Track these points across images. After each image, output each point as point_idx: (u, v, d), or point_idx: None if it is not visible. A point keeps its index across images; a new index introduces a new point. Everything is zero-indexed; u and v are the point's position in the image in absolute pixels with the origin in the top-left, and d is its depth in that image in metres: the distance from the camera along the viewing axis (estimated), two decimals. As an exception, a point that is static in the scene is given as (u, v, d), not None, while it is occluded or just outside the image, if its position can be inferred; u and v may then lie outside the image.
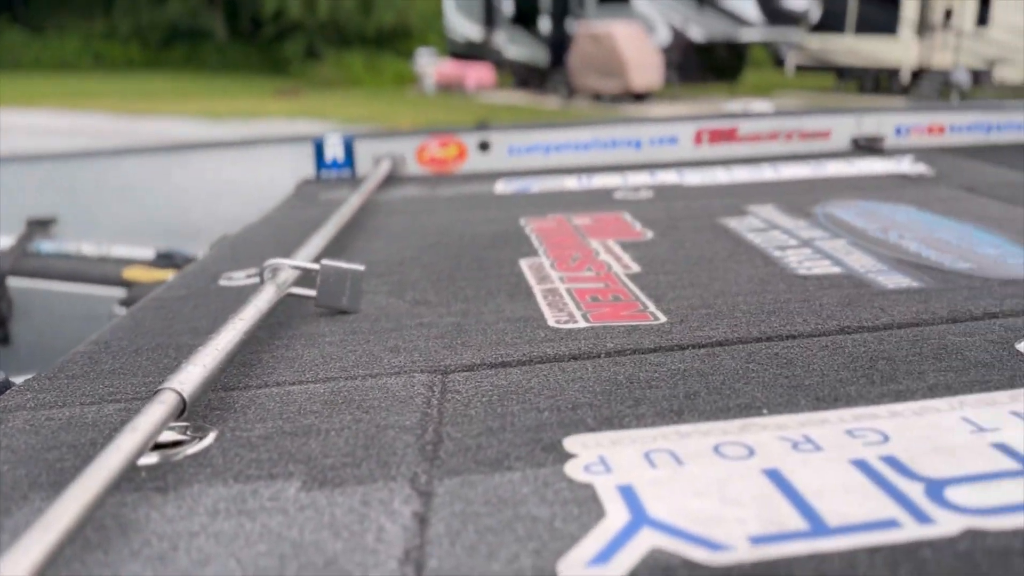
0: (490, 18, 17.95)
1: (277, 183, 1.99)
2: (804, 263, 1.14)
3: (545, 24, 17.19)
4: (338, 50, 22.64)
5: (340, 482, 0.59)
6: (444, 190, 1.87)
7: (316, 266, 0.97)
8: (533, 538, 0.51)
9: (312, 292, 0.98)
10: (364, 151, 2.07)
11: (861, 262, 1.12)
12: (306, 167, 2.08)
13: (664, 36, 15.79)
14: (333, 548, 0.50)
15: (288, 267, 0.97)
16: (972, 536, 0.49)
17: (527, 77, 17.77)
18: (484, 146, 2.15)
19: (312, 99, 16.61)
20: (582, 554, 0.49)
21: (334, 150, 2.06)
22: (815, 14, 15.56)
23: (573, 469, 0.59)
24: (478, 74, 17.68)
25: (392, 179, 2.02)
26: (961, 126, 2.23)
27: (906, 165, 1.87)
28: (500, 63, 18.22)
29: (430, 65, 17.89)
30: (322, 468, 0.61)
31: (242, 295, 0.89)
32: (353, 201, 1.51)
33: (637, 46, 14.66)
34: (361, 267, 0.99)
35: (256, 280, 0.99)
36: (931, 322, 0.88)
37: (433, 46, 19.45)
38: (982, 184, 1.65)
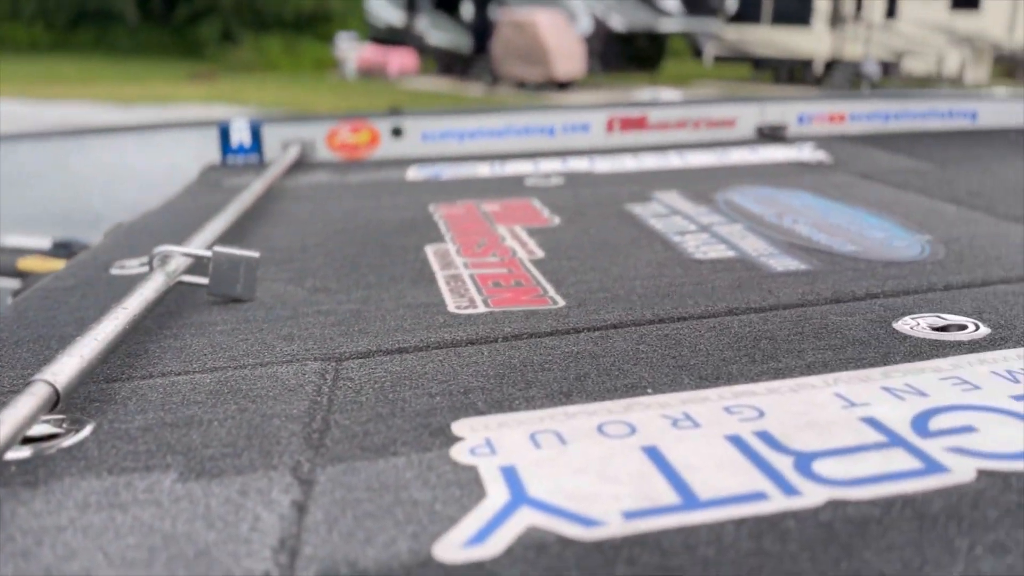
0: (412, 3, 17.76)
1: (181, 169, 1.93)
2: (701, 248, 1.17)
3: (468, 10, 17.11)
4: (255, 33, 22.05)
5: (218, 472, 0.57)
6: (354, 176, 1.85)
7: (208, 253, 0.95)
8: (412, 522, 0.51)
9: (205, 280, 0.95)
10: (272, 136, 2.03)
11: (755, 246, 1.16)
12: (212, 152, 2.02)
13: (586, 25, 15.90)
14: (205, 539, 0.50)
15: (179, 254, 0.95)
16: (834, 506, 0.51)
17: (450, 64, 17.67)
18: (397, 132, 2.13)
19: (228, 84, 16.16)
20: (459, 535, 0.49)
21: (240, 135, 2.00)
22: (732, 5, 15.91)
23: (459, 452, 0.60)
24: (400, 60, 17.49)
25: (301, 165, 1.98)
26: (861, 114, 2.31)
27: (806, 152, 1.93)
28: (423, 49, 18.07)
29: (351, 50, 17.60)
30: (201, 459, 0.60)
31: (134, 284, 0.86)
32: (256, 187, 1.47)
33: (560, 34, 14.73)
34: (256, 254, 0.97)
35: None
36: (815, 303, 0.92)
37: (354, 30, 19.14)
38: (877, 171, 1.71)
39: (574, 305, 0.94)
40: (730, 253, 1.13)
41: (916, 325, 0.83)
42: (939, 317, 0.85)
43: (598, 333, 0.85)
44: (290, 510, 0.53)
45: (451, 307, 0.94)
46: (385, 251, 1.20)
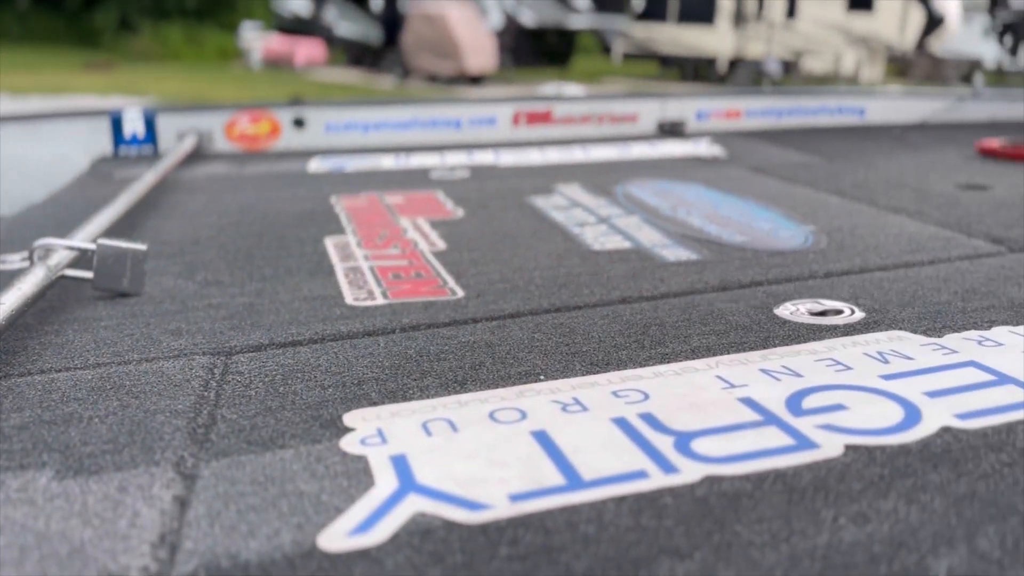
0: (320, -6, 17.40)
1: (71, 161, 1.85)
2: (599, 239, 1.19)
3: (377, 1, 16.88)
4: (155, 21, 21.20)
5: (97, 470, 0.56)
6: (253, 168, 1.81)
7: (92, 246, 0.91)
8: (297, 513, 0.50)
9: (90, 274, 0.92)
10: (168, 126, 1.96)
11: (650, 237, 1.19)
12: (104, 144, 1.94)
13: (497, 20, 15.92)
14: (80, 536, 0.48)
15: (62, 248, 0.91)
16: (710, 482, 0.53)
17: (360, 56, 17.41)
18: (299, 123, 2.09)
19: (126, 74, 15.52)
20: (345, 525, 0.49)
21: (133, 125, 1.93)
22: (640, 3, 16.19)
23: (349, 443, 0.59)
24: (308, 50, 17.13)
25: (198, 156, 1.92)
26: (756, 111, 2.39)
27: (703, 147, 1.99)
28: (331, 40, 17.74)
29: (256, 40, 17.13)
30: (79, 456, 0.58)
31: (13, 279, 0.82)
32: (148, 178, 1.42)
33: (471, 28, 14.69)
34: (143, 246, 0.94)
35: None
36: (703, 291, 0.95)
37: (259, 20, 18.63)
38: (768, 165, 1.78)
39: (473, 296, 0.94)
40: (626, 244, 1.16)
41: (796, 310, 0.87)
42: (817, 303, 0.90)
43: (495, 323, 0.86)
44: (171, 505, 0.52)
45: (349, 299, 0.94)
46: (282, 243, 1.18)
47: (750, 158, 1.88)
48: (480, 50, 15.37)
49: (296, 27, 17.82)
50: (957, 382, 0.68)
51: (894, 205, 1.39)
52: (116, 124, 1.93)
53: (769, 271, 1.02)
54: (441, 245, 1.16)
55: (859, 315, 0.86)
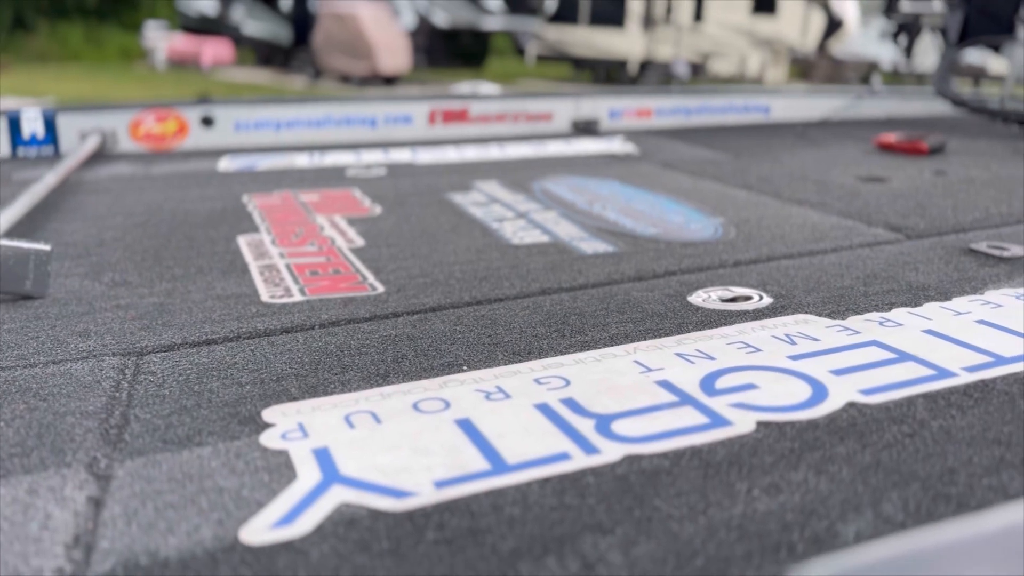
0: (227, -8, 16.95)
1: (-38, 162, 1.76)
2: (518, 233, 1.20)
3: (287, 0, 16.55)
4: (52, 21, 20.28)
5: (5, 473, 0.54)
6: (160, 168, 1.75)
7: None
8: (217, 509, 0.49)
9: None
10: (69, 126, 1.88)
11: (567, 231, 1.21)
12: (0, 145, 1.85)
13: (409, 20, 15.81)
14: None
15: None
16: (629, 461, 0.54)
17: (269, 56, 17.03)
18: (207, 121, 2.03)
19: (23, 75, 14.79)
20: (267, 518, 0.49)
21: (32, 125, 1.85)
22: (552, 5, 16.34)
23: (269, 438, 0.59)
24: (215, 50, 16.66)
25: (101, 156, 1.85)
26: (666, 110, 2.45)
27: (616, 145, 2.03)
28: (239, 40, 17.30)
29: (160, 39, 16.57)
30: None
31: None
32: (49, 180, 1.36)
33: (383, 28, 14.54)
34: (47, 247, 0.90)
35: None
36: (619, 281, 0.97)
37: (163, 19, 18.03)
38: (678, 161, 1.83)
39: (393, 291, 0.94)
40: (544, 238, 1.17)
41: (708, 297, 0.90)
42: (728, 290, 0.93)
43: (416, 316, 0.85)
44: (85, 506, 0.50)
45: (265, 297, 0.92)
46: (192, 243, 1.15)
47: (661, 155, 1.92)
48: (393, 50, 15.23)
49: (202, 26, 17.31)
50: (861, 360, 0.72)
51: (798, 197, 1.45)
52: (14, 124, 1.84)
53: (682, 261, 1.05)
54: (359, 242, 1.15)
55: (767, 300, 0.89)
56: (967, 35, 2.45)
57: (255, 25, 17.27)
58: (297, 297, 0.92)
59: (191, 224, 1.26)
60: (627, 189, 1.51)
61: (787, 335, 0.78)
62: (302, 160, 1.84)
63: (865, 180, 1.60)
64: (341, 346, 0.77)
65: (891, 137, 1.96)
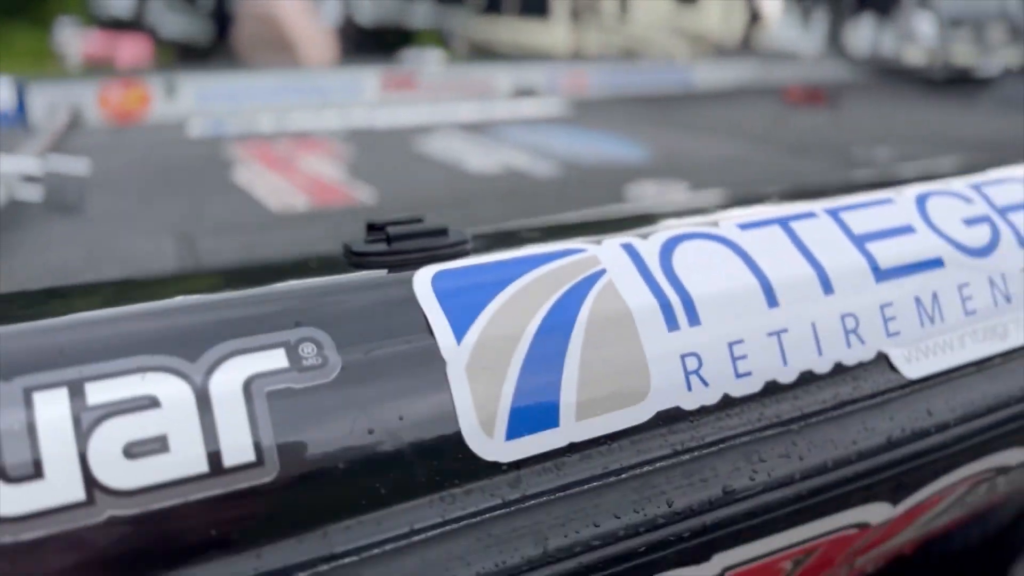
0: (142, -11, 16.56)
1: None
2: (481, 163, 1.39)
3: (206, -2, 16.26)
4: (-47, 20, 19.43)
5: None
6: (133, 136, 1.87)
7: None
8: None
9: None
10: (37, 99, 1.98)
11: (524, 160, 1.40)
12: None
13: (333, 16, 15.73)
14: None
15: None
16: None
17: (189, 54, 16.69)
18: (171, 92, 2.15)
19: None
20: None
21: (2, 97, 1.94)
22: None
23: None
24: (132, 50, 16.28)
25: (72, 129, 1.96)
26: (596, 80, 2.67)
27: (555, 106, 2.23)
28: (157, 38, 16.88)
29: (74, 38, 16.12)
30: None
31: None
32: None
33: (306, 24, 14.45)
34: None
35: None
36: (569, 185, 1.17)
37: (76, 16, 17.53)
38: (612, 115, 2.04)
39: (387, 201, 1.11)
40: (500, 167, 1.36)
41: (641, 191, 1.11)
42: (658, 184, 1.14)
43: None
44: None
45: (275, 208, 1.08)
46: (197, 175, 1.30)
47: (596, 112, 2.13)
48: (316, 46, 15.16)
49: (118, 24, 16.84)
50: None
51: (712, 130, 1.67)
52: (-16, 93, 1.92)
53: (619, 174, 1.25)
54: (344, 175, 1.32)
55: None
56: (860, 4, 2.73)
57: (174, 23, 16.94)
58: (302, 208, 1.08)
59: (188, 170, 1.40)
60: (569, 131, 1.71)
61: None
62: (265, 125, 1.98)
63: (772, 123, 1.84)
64: None
65: (796, 91, 2.22)
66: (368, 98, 2.36)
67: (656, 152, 1.45)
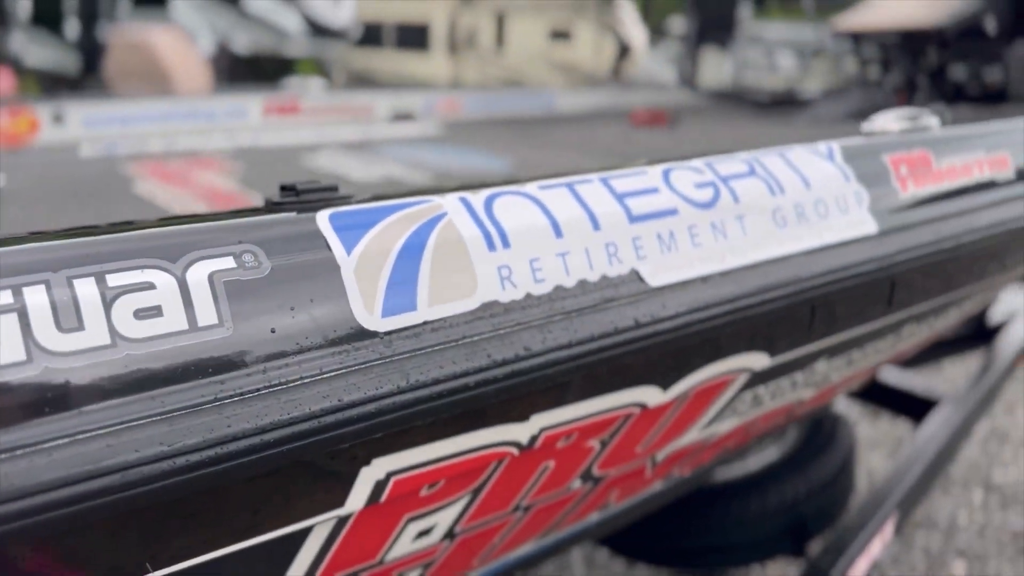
0: (3, 18, 15.84)
1: None
2: (362, 171, 1.59)
3: (73, 27, 15.71)
4: None
5: None
6: (22, 159, 1.96)
7: None
8: None
9: None
10: None
11: (399, 171, 1.61)
12: None
13: (208, 45, 15.48)
14: None
15: None
16: None
17: (56, 85, 16.03)
18: (59, 118, 2.24)
19: None
20: None
21: None
22: (357, 30, 16.57)
23: None
24: (-7, 81, 15.50)
25: None
26: (469, 104, 2.91)
27: (431, 128, 2.45)
28: (20, 69, 16.14)
29: (-73, 69, 15.21)
30: None
31: None
32: None
33: (180, 54, 14.17)
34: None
35: None
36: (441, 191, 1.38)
37: (-71, 47, 16.53)
38: (483, 137, 2.28)
39: None
40: (381, 177, 1.56)
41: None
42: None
43: None
44: None
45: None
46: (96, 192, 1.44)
47: (467, 132, 2.37)
48: (191, 77, 14.86)
49: (-24, 54, 16.00)
50: None
51: (568, 146, 1.93)
52: None
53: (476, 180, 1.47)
54: (236, 186, 1.49)
55: None
56: (702, 39, 3.09)
57: (39, 53, 16.24)
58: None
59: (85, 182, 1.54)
60: (442, 148, 1.93)
61: None
62: (155, 146, 2.11)
63: (617, 140, 2.12)
64: None
65: (641, 114, 2.52)
66: (252, 123, 2.51)
67: (516, 164, 1.68)
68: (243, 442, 0.50)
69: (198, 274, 0.52)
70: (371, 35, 18.23)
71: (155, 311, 0.50)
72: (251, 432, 0.51)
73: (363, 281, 0.57)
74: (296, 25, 16.84)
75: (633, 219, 0.70)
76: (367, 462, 0.60)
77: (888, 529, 1.69)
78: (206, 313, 0.52)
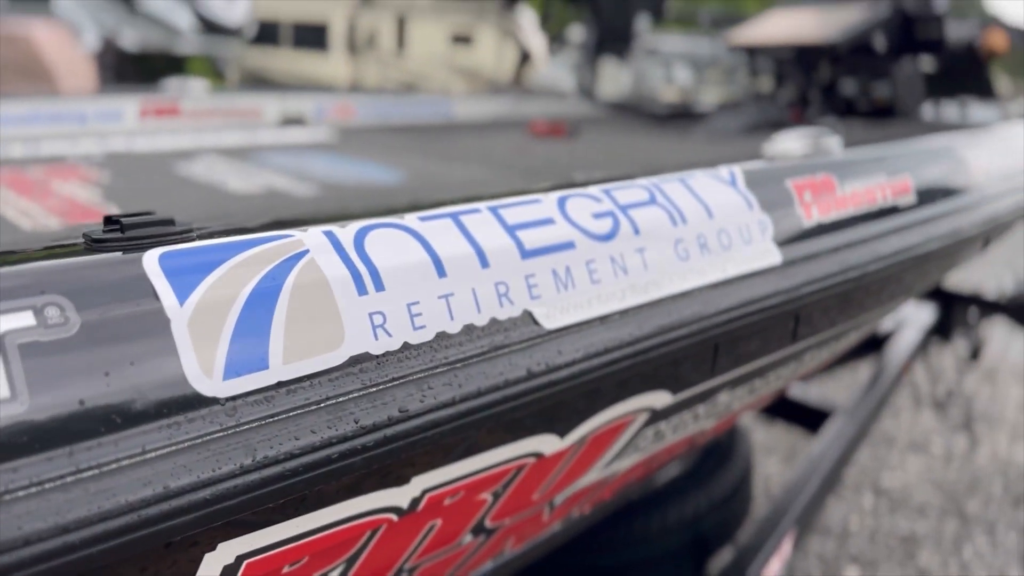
0: None
1: None
2: (241, 185, 1.47)
3: (-61, 17, 14.69)
4: None
5: None
6: None
7: None
8: None
9: None
10: None
11: (283, 183, 1.50)
12: None
13: (93, 41, 14.74)
14: None
15: None
16: None
17: (-79, 78, 14.93)
18: (-99, 118, 2.02)
19: None
20: None
21: None
22: (251, 29, 16.09)
23: None
24: None
25: None
26: (364, 110, 2.80)
27: (322, 134, 2.33)
28: None
29: None
30: None
31: None
32: None
33: (62, 50, 13.43)
34: None
35: None
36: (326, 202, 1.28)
37: None
38: (374, 143, 2.18)
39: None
40: (261, 188, 1.45)
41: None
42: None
43: None
44: None
45: (27, 227, 1.10)
46: None
47: (360, 140, 2.26)
48: (74, 73, 14.11)
49: None
50: None
51: (465, 159, 1.85)
52: None
53: (370, 194, 1.38)
54: (98, 197, 1.35)
55: None
56: (600, 49, 3.07)
57: (-101, 42, 15.06)
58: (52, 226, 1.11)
59: None
60: (327, 159, 1.82)
61: None
62: (16, 151, 1.92)
63: (516, 152, 2.06)
64: None
65: (540, 125, 2.47)
66: (128, 126, 2.33)
67: (410, 176, 1.59)
68: (38, 546, 0.40)
69: (-18, 335, 0.42)
70: (268, 33, 17.74)
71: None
72: (49, 533, 0.41)
73: (200, 336, 0.48)
74: (188, 22, 16.23)
75: (526, 254, 0.63)
76: (211, 547, 0.50)
77: (787, 546, 1.68)
78: (-8, 384, 0.41)
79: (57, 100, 2.27)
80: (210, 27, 16.48)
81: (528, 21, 10.66)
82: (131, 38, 16.63)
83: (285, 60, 16.94)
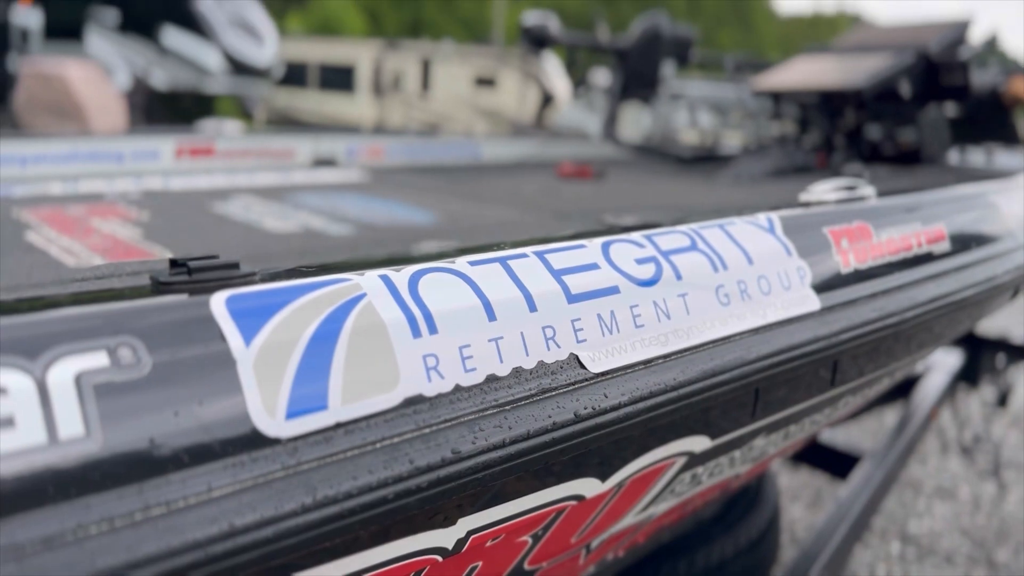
0: (-98, 45, 15.09)
1: None
2: (277, 225, 1.49)
3: (-21, 59, 15.09)
4: None
5: None
6: None
7: None
8: None
9: None
10: None
11: (318, 222, 1.52)
12: None
13: (124, 80, 15.09)
14: None
15: None
16: None
17: (-42, 115, 15.30)
18: (-52, 157, 2.08)
19: None
20: None
21: None
22: (279, 70, 16.44)
23: None
24: None
25: None
26: (393, 151, 2.84)
27: (354, 174, 2.37)
28: (-83, 99, 15.38)
29: None
30: None
31: None
32: None
33: (95, 89, 13.73)
34: None
35: None
36: (362, 245, 1.30)
37: None
38: (404, 185, 2.21)
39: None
40: (298, 228, 1.47)
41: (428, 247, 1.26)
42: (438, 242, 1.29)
43: None
44: None
45: (70, 263, 1.13)
46: None
47: (393, 180, 2.29)
48: (107, 111, 14.40)
49: None
50: None
51: (497, 200, 1.88)
52: None
53: (405, 233, 1.40)
54: (139, 235, 1.38)
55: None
56: (626, 93, 3.11)
57: (-63, 82, 15.47)
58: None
59: None
60: (361, 198, 1.85)
61: None
62: (57, 188, 1.97)
63: (545, 193, 2.08)
64: None
65: (567, 167, 2.50)
66: (164, 165, 2.39)
67: (442, 216, 1.62)
68: None
69: (62, 374, 0.43)
70: (295, 75, 18.06)
71: (6, 422, 0.41)
72: (121, 568, 0.42)
73: (264, 377, 0.49)
74: (217, 63, 16.60)
75: (572, 299, 0.64)
76: None
77: (817, 595, 1.66)
78: (70, 422, 0.43)
79: (95, 139, 2.33)
80: (239, 68, 16.83)
81: (552, 65, 10.78)
82: (161, 78, 17.03)
83: (312, 100, 17.29)
